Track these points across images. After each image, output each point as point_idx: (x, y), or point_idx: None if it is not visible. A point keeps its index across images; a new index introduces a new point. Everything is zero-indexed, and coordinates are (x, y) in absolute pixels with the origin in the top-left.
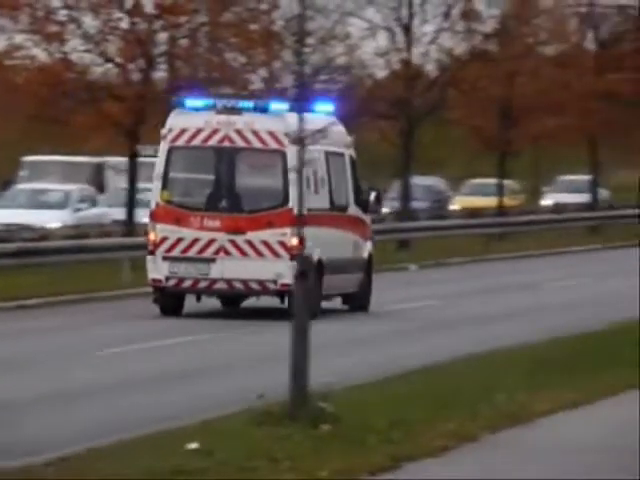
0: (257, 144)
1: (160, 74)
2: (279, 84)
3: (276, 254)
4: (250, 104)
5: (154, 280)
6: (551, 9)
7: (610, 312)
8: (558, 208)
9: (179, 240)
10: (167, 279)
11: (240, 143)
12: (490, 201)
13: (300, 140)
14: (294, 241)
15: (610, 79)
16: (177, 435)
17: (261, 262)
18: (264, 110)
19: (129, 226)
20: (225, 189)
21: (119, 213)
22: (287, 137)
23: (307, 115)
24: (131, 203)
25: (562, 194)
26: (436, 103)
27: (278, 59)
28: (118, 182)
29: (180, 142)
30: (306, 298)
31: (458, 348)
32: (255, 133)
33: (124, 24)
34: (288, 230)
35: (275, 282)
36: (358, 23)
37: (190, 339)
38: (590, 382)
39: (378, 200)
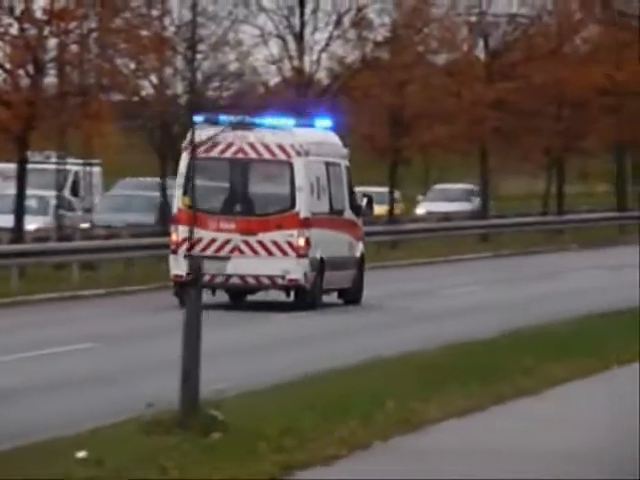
0: (267, 156)
1: (50, 80)
2: (171, 90)
3: (284, 253)
4: (260, 120)
5: (176, 276)
6: (442, 18)
7: (501, 319)
8: (447, 217)
9: (198, 241)
10: (187, 275)
11: (252, 155)
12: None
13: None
14: (301, 241)
15: (500, 88)
16: (66, 443)
17: (271, 260)
18: (274, 126)
19: (17, 233)
20: (239, 195)
21: (6, 220)
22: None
23: (308, 129)
24: (20, 210)
25: (437, 203)
26: (327, 111)
27: (169, 65)
28: (6, 188)
29: (201, 154)
30: (198, 305)
31: (350, 356)
32: (265, 146)
33: (13, 30)
34: (295, 231)
35: (283, 277)
36: (250, 30)
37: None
38: (481, 389)
39: (370, 205)
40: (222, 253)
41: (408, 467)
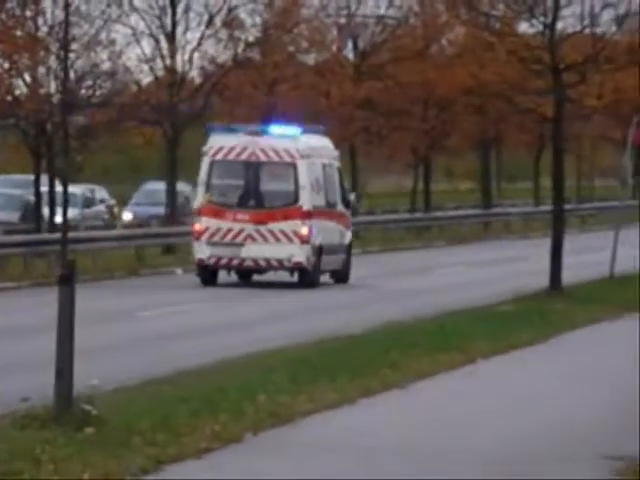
0: (275, 158)
1: None
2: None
3: (290, 240)
4: (269, 129)
5: (199, 259)
6: (312, 19)
7: (370, 315)
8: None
9: (218, 229)
10: (209, 258)
11: (263, 158)
12: None
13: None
14: (304, 230)
15: (368, 87)
16: None
17: (279, 246)
18: (280, 133)
19: None
20: (252, 191)
21: None
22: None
23: (308, 136)
24: None
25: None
26: (200, 110)
27: (43, 64)
28: None
29: (218, 157)
30: (71, 301)
31: (221, 350)
32: (274, 150)
33: None
34: (299, 222)
35: (289, 260)
36: (122, 30)
37: None
38: (350, 383)
39: (357, 199)
40: (237, 240)
41: (277, 459)
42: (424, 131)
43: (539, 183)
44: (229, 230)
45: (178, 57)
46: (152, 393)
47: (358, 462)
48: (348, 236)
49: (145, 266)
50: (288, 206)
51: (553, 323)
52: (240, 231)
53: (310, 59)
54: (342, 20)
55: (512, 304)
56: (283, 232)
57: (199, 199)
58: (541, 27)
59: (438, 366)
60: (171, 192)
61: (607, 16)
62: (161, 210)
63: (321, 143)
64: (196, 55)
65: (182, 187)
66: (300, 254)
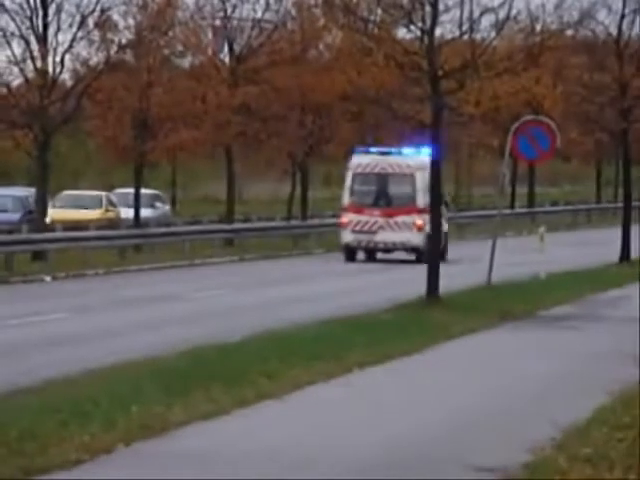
0: (399, 171)
1: None
2: None
3: (410, 229)
4: (394, 150)
5: (345, 243)
6: (187, 21)
7: (246, 323)
8: (195, 220)
9: (358, 222)
10: (352, 242)
11: (390, 170)
12: (85, 214)
13: None
14: (420, 222)
15: (245, 92)
16: None
17: (402, 233)
18: (401, 153)
19: None
20: (382, 195)
21: None
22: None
23: (419, 154)
24: None
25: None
26: (71, 113)
27: None
28: None
29: (359, 170)
30: None
31: (91, 360)
32: (398, 165)
33: None
34: (416, 216)
35: (409, 243)
36: None
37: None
38: (225, 393)
39: (446, 204)
40: (373, 229)
41: (149, 471)
42: (301, 137)
43: None
44: (366, 222)
45: (49, 59)
46: (19, 403)
47: (229, 473)
48: (445, 227)
49: (14, 274)
50: (408, 204)
51: (430, 332)
52: (374, 223)
53: (185, 62)
54: (218, 23)
55: (390, 313)
56: (405, 223)
57: (345, 200)
58: (419, 33)
59: (315, 375)
60: (41, 197)
61: (486, 22)
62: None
63: (426, 159)
64: (68, 57)
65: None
66: (417, 239)
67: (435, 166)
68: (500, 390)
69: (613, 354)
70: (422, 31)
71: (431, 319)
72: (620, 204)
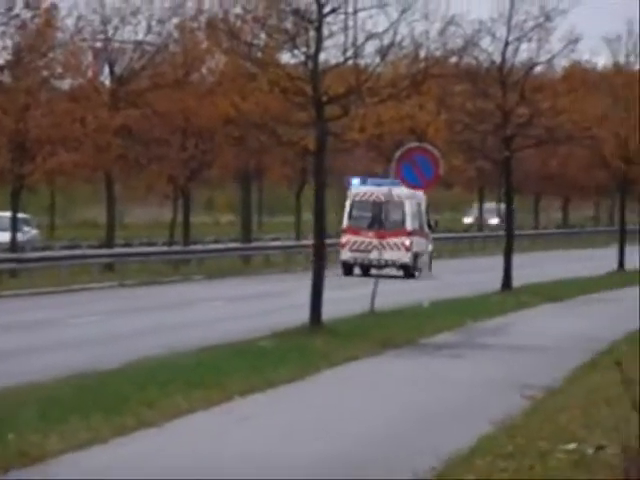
0: (390, 199)
1: None
2: None
3: (399, 249)
4: (388, 181)
5: (343, 260)
6: (67, 42)
7: (126, 350)
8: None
9: (355, 242)
10: (350, 259)
11: (383, 198)
12: None
13: None
14: (407, 243)
15: (126, 115)
16: None
17: (392, 252)
18: (393, 184)
19: None
20: (376, 219)
21: None
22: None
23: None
24: None
25: None
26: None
27: None
28: None
29: (357, 198)
30: None
31: None
32: (390, 194)
33: None
34: (405, 238)
35: (399, 261)
36: None
37: None
38: (103, 421)
39: (430, 226)
40: (367, 248)
41: None
42: (183, 161)
43: (301, 217)
44: (362, 242)
45: None
46: None
47: None
48: (430, 247)
49: None
50: (398, 228)
51: (312, 360)
52: (369, 243)
53: (65, 84)
54: (98, 45)
55: (271, 340)
56: (395, 244)
57: (344, 223)
58: (304, 58)
59: (195, 403)
60: None
61: (371, 48)
62: None
63: (414, 191)
64: None
65: None
66: (405, 257)
67: (319, 191)
68: (382, 419)
69: (496, 382)
70: (306, 56)
71: (313, 346)
72: (502, 232)
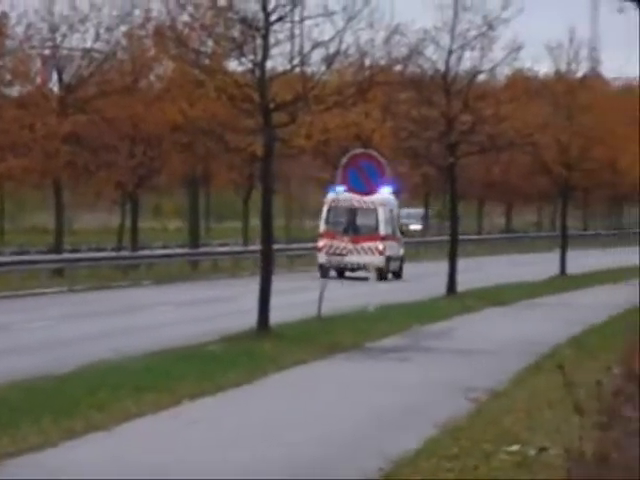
0: (364, 205)
1: None
2: None
3: (373, 253)
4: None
5: (320, 263)
6: (16, 50)
7: (76, 355)
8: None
9: (331, 246)
10: (326, 262)
11: (357, 205)
12: None
13: None
14: (381, 247)
15: (74, 121)
16: None
17: (366, 256)
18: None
19: None
20: (351, 224)
21: None
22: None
23: (381, 192)
24: None
25: None
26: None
27: None
28: None
29: (333, 204)
30: None
31: None
32: (364, 201)
33: None
34: (379, 243)
35: (372, 264)
36: None
37: None
38: (54, 425)
39: (401, 232)
40: (343, 252)
41: None
42: (131, 168)
43: (248, 222)
44: (338, 246)
45: None
46: None
47: None
48: (402, 251)
49: None
50: (372, 233)
51: (260, 364)
52: (344, 247)
53: (14, 91)
54: (47, 52)
55: (220, 344)
56: (369, 248)
57: (321, 228)
58: (251, 65)
59: (144, 407)
60: None
61: (317, 56)
62: None
63: (389, 196)
64: None
65: None
66: (379, 261)
67: (267, 197)
68: (329, 421)
69: (442, 385)
70: (254, 64)
71: (261, 350)
72: (447, 237)
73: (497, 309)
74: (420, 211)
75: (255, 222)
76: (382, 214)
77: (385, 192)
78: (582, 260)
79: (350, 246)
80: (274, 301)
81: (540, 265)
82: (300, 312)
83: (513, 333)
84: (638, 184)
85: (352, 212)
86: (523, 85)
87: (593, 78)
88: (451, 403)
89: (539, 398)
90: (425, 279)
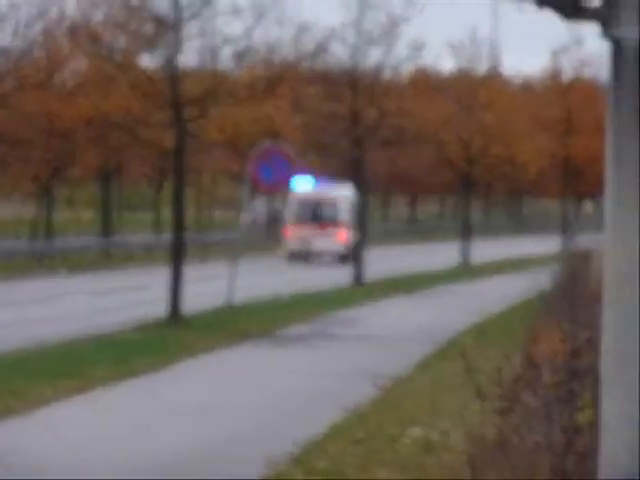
0: (326, 197)
1: None
2: None
3: (335, 241)
4: (324, 182)
5: (289, 250)
6: None
7: None
8: None
9: (298, 234)
10: (294, 249)
11: (321, 197)
12: None
13: None
14: (344, 235)
15: None
16: None
17: (330, 243)
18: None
19: None
20: (315, 215)
21: None
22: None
23: (341, 186)
24: None
25: None
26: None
27: None
28: None
29: (300, 197)
30: None
31: None
32: (326, 193)
33: None
34: (342, 230)
35: (336, 252)
36: None
37: None
38: None
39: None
40: (309, 240)
41: None
42: (46, 160)
43: (160, 213)
44: (304, 236)
45: None
46: None
47: None
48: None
49: None
50: (335, 222)
51: (173, 351)
52: (310, 235)
53: None
54: None
55: (133, 332)
56: (332, 236)
57: (289, 218)
58: (163, 61)
59: (60, 393)
60: None
61: (228, 51)
62: None
63: (349, 190)
64: None
65: None
66: (341, 247)
67: (178, 189)
68: (239, 407)
69: (349, 372)
70: (165, 59)
71: (175, 338)
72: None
73: (403, 297)
74: (260, 203)
75: (167, 212)
76: (343, 206)
77: (345, 187)
78: (484, 250)
79: (315, 234)
80: (186, 290)
81: (444, 254)
82: (212, 301)
83: (418, 321)
84: (535, 178)
85: (317, 204)
86: (426, 82)
87: (494, 76)
88: (358, 389)
89: (442, 384)
90: (331, 269)
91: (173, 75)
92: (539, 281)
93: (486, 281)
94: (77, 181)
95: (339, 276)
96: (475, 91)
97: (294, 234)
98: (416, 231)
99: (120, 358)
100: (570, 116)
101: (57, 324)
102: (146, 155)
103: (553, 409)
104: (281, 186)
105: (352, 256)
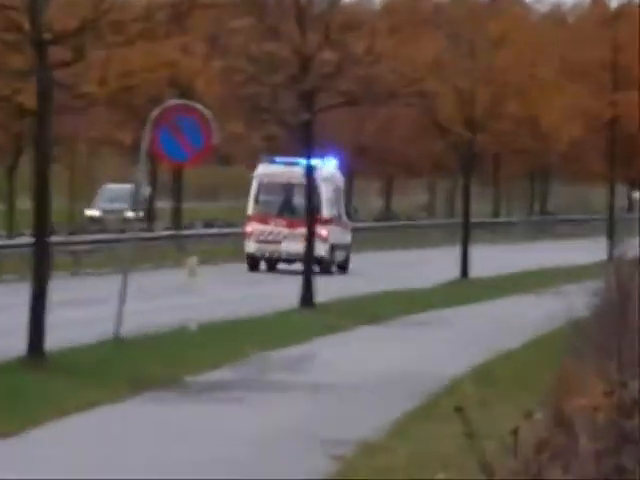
0: (303, 182)
1: None
2: None
3: (315, 241)
4: (300, 160)
5: (247, 252)
6: None
7: None
8: None
9: (263, 232)
10: (257, 252)
11: (295, 181)
12: None
13: None
14: (324, 232)
15: None
16: None
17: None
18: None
19: None
20: (287, 205)
21: None
22: None
23: (327, 166)
24: None
25: None
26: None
27: None
28: None
29: (265, 180)
30: None
31: None
32: (299, 172)
33: None
34: (321, 226)
35: (314, 257)
36: None
37: None
38: None
39: (355, 212)
40: (277, 239)
41: None
42: None
43: (13, 205)
44: (271, 232)
45: None
46: None
47: None
48: (349, 238)
49: None
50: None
51: (31, 407)
52: (279, 233)
53: None
54: None
55: None
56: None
57: (250, 210)
58: None
59: None
60: None
61: None
62: None
63: (334, 172)
64: None
65: None
66: (321, 250)
67: (43, 167)
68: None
69: (294, 436)
70: None
71: (36, 388)
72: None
73: (370, 328)
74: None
75: (24, 204)
76: (325, 192)
77: (329, 165)
78: (491, 259)
79: (286, 231)
80: (53, 317)
81: (431, 266)
82: (90, 332)
83: (394, 362)
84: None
85: (288, 189)
86: (407, 11)
87: (508, 1)
88: (307, 461)
89: (429, 455)
90: (273, 283)
91: (33, 1)
92: (572, 305)
93: (495, 303)
94: None
95: (283, 294)
96: (479, 22)
97: (255, 230)
98: (393, 231)
99: None
100: (618, 59)
101: None
102: None
103: None
104: (193, 161)
105: (339, 263)
